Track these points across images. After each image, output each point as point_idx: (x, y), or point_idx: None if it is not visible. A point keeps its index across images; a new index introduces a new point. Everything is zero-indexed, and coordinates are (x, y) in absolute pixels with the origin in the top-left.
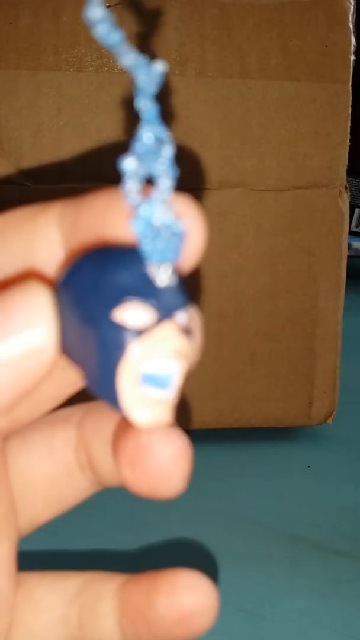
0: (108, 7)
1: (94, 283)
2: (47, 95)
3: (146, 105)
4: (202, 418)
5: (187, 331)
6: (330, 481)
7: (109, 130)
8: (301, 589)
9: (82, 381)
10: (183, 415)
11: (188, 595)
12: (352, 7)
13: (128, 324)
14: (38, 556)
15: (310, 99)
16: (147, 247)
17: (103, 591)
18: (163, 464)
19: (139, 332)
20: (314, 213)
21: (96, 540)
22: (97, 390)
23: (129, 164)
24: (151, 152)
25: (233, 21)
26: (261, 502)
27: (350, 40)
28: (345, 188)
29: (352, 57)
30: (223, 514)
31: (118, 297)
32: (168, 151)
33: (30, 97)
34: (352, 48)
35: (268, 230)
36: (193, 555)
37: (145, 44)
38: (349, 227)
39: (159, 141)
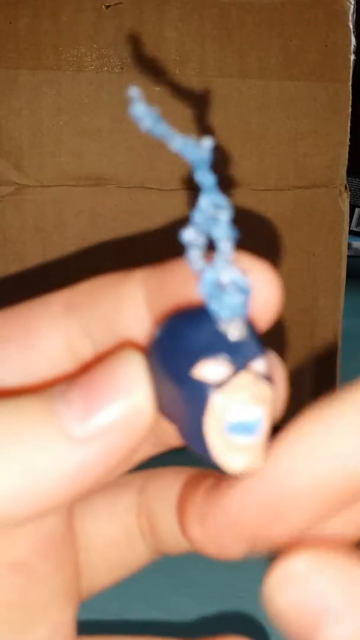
0: (108, 7)
1: (174, 346)
2: (47, 94)
3: (203, 177)
4: None
5: (265, 377)
6: None
7: (109, 130)
8: None
9: (153, 447)
10: None
11: None
12: (352, 7)
13: (207, 380)
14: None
15: (310, 99)
16: (215, 306)
17: None
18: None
19: (218, 385)
20: (314, 213)
21: None
22: (190, 443)
23: (189, 234)
24: (210, 218)
25: (233, 21)
26: None
27: (350, 40)
28: (346, 188)
29: (352, 57)
30: None
31: (195, 357)
32: (226, 215)
33: (30, 96)
34: (352, 47)
35: None
36: (192, 556)
37: (145, 44)
38: (349, 227)
39: (217, 207)
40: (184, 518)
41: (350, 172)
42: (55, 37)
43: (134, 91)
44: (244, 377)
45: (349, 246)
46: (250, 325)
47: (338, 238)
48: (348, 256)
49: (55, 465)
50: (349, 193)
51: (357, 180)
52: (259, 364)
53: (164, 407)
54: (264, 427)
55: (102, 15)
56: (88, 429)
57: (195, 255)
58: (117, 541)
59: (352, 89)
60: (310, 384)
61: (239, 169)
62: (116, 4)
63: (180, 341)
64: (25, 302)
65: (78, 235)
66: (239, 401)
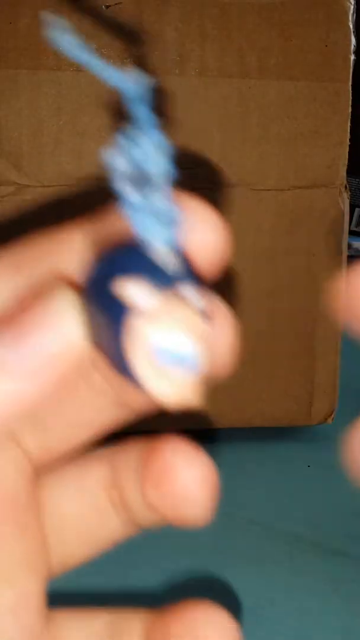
0: (108, 7)
1: (103, 275)
2: (46, 94)
3: (138, 111)
4: (201, 418)
5: (198, 311)
6: (329, 481)
7: (109, 130)
8: (301, 589)
9: (115, 410)
10: (182, 415)
11: (209, 630)
12: (352, 7)
13: (134, 303)
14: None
15: (310, 99)
16: (144, 234)
17: (128, 628)
18: (187, 484)
19: (143, 309)
20: (314, 213)
21: None
22: (118, 370)
23: (120, 165)
24: (144, 152)
25: (233, 21)
26: (261, 501)
27: (350, 40)
28: (346, 188)
29: (352, 57)
30: (222, 513)
31: (121, 281)
32: (161, 150)
33: (30, 96)
34: (352, 47)
35: (268, 230)
36: (193, 555)
37: (145, 44)
38: (349, 227)
39: (154, 142)
40: (143, 484)
41: (350, 172)
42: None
43: (48, 16)
44: (171, 304)
45: (349, 246)
46: (185, 260)
47: (338, 238)
48: (348, 256)
49: None
50: (349, 193)
51: (357, 180)
52: (192, 297)
53: (97, 339)
54: (198, 361)
55: (102, 16)
56: (19, 359)
57: (125, 186)
58: (87, 515)
59: (352, 89)
60: (310, 384)
61: (239, 169)
62: (116, 4)
63: (109, 270)
64: None
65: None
66: (165, 326)
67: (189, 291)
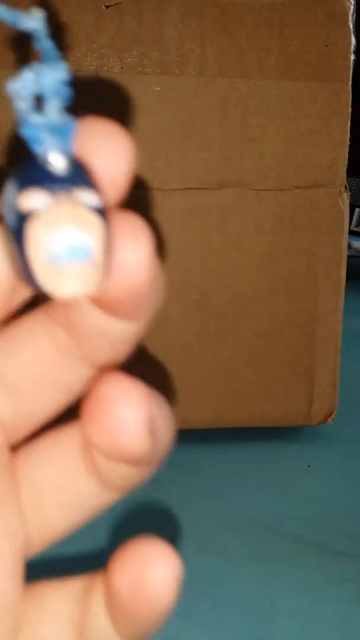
0: (108, 7)
1: (6, 194)
2: None
3: (42, 43)
4: (201, 418)
5: (92, 209)
6: (330, 481)
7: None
8: (301, 589)
9: (82, 365)
10: (182, 415)
11: (143, 564)
12: (352, 7)
13: (26, 209)
14: (43, 562)
15: (310, 99)
16: (33, 139)
17: (94, 585)
18: (118, 412)
19: (37, 214)
20: (314, 213)
21: (97, 541)
22: (23, 279)
23: (16, 84)
24: (40, 72)
25: (233, 21)
26: (261, 502)
27: (350, 40)
28: (345, 188)
29: (352, 57)
30: (222, 514)
31: (18, 192)
32: (59, 74)
33: None
34: (352, 47)
35: (268, 230)
36: (192, 556)
37: (145, 44)
38: (349, 227)
39: (52, 67)
40: (82, 420)
41: (350, 172)
42: (54, 37)
43: None
44: (62, 204)
45: (349, 246)
46: (78, 164)
47: (338, 238)
48: (348, 256)
49: None
50: (349, 193)
51: (357, 180)
52: (87, 196)
53: (14, 262)
54: (93, 253)
55: (102, 15)
56: None
57: (22, 104)
58: (63, 480)
59: (352, 89)
60: (310, 384)
61: (239, 169)
62: (116, 4)
63: (9, 186)
64: None
65: None
66: (58, 227)
67: (81, 193)
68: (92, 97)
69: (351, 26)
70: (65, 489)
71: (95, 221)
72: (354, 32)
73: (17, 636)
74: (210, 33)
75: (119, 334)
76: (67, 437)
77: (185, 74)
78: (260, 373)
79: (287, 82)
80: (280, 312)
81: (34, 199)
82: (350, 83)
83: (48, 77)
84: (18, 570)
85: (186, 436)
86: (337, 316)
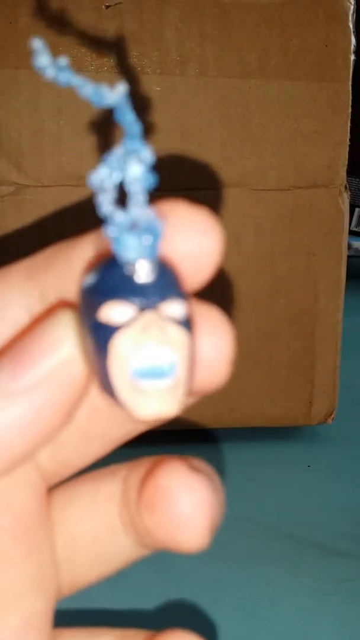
0: (108, 6)
1: (87, 294)
2: (47, 94)
3: (124, 121)
4: (201, 418)
5: (179, 321)
6: (330, 481)
7: (109, 130)
8: (301, 589)
9: (130, 422)
10: (182, 415)
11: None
12: (352, 7)
13: (110, 322)
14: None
15: (310, 99)
16: (118, 245)
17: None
18: (181, 508)
19: (121, 327)
20: (314, 213)
21: None
22: (103, 392)
23: (99, 176)
24: (122, 160)
25: (233, 21)
26: (261, 502)
27: (350, 40)
28: (345, 188)
29: (352, 57)
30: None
31: (100, 301)
32: (144, 158)
33: (30, 96)
34: (352, 47)
35: (268, 230)
36: (192, 556)
37: (145, 44)
38: (349, 227)
39: (135, 150)
40: (138, 504)
41: (350, 172)
42: (55, 37)
43: (36, 42)
44: (148, 322)
45: (349, 246)
46: (164, 268)
47: (338, 238)
48: (348, 256)
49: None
50: (349, 193)
51: (357, 180)
52: (173, 307)
53: (88, 359)
54: (178, 371)
55: (102, 15)
56: (20, 385)
57: (104, 198)
58: (98, 533)
59: (352, 89)
60: (310, 384)
61: (239, 169)
62: (116, 4)
63: (91, 288)
64: None
65: (78, 235)
66: (141, 344)
67: (168, 305)
68: None
69: (351, 26)
70: (99, 543)
71: (181, 338)
72: (353, 32)
73: None
74: (211, 33)
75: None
76: (106, 490)
77: (185, 74)
78: (260, 373)
79: (287, 82)
80: (280, 312)
81: (118, 312)
82: (350, 83)
83: (131, 165)
84: (48, 625)
85: (186, 436)
86: (337, 316)
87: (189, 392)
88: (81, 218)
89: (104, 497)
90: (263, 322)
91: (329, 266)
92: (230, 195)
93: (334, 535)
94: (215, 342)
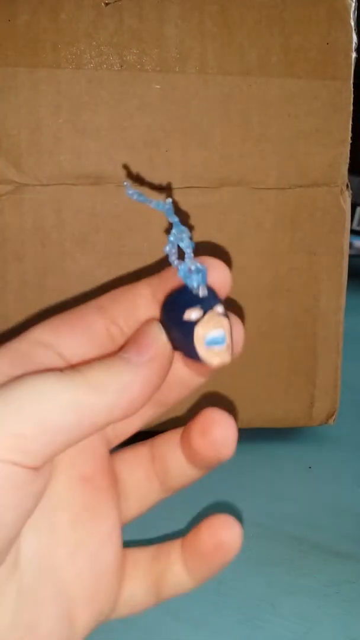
0: (107, 4)
1: (172, 308)
2: (45, 92)
3: (172, 219)
4: None
5: (222, 314)
6: (331, 482)
7: (108, 128)
8: (302, 590)
9: (156, 405)
10: (183, 415)
11: (221, 529)
12: (353, 4)
13: (191, 319)
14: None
15: (312, 97)
16: (188, 281)
17: (171, 548)
18: (222, 429)
19: (197, 321)
20: (315, 212)
21: None
22: (189, 357)
23: (167, 247)
24: (178, 239)
25: (233, 18)
26: (262, 502)
27: (351, 38)
28: (347, 186)
29: (354, 54)
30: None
31: (183, 309)
32: (187, 236)
33: (28, 94)
34: (354, 45)
35: (269, 228)
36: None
37: (145, 42)
38: (351, 226)
39: (182, 232)
40: (189, 435)
41: (352, 170)
42: (54, 34)
43: (126, 185)
44: (210, 315)
45: (351, 245)
46: (210, 289)
47: (339, 237)
48: (349, 255)
49: (134, 378)
50: (351, 192)
51: (359, 178)
52: (219, 308)
53: (172, 343)
54: (227, 340)
55: (102, 13)
56: (143, 359)
57: (173, 258)
58: (141, 480)
59: (354, 87)
60: (311, 384)
61: (240, 168)
62: (116, 1)
63: (174, 304)
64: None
65: (77, 234)
66: (209, 327)
67: (217, 307)
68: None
69: (352, 24)
70: (141, 487)
71: (226, 323)
72: (355, 29)
73: (123, 585)
74: (211, 30)
75: (192, 385)
76: (141, 452)
77: (185, 71)
78: (261, 373)
79: (288, 80)
80: (281, 311)
81: (194, 314)
82: (351, 81)
83: (184, 241)
84: (120, 539)
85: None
86: (339, 316)
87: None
88: (80, 217)
89: (141, 457)
90: (264, 322)
91: (330, 265)
92: (231, 194)
93: (335, 536)
94: (238, 329)
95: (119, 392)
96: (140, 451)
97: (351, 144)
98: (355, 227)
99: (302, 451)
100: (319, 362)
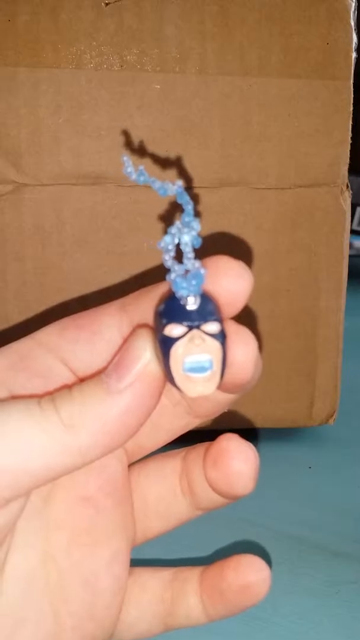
0: (107, 4)
1: (157, 317)
2: (45, 92)
3: (184, 203)
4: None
5: (214, 335)
6: (331, 482)
7: (108, 128)
8: (302, 591)
9: (187, 416)
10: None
11: (249, 571)
12: (353, 4)
13: (170, 335)
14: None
15: (312, 97)
16: (175, 287)
17: (188, 577)
18: (236, 462)
19: (177, 339)
20: (315, 212)
21: None
22: (170, 382)
23: (164, 241)
24: (182, 231)
25: (233, 18)
26: (262, 503)
27: (351, 38)
28: (347, 187)
29: (354, 55)
30: (223, 514)
31: (168, 320)
32: (195, 227)
33: (28, 94)
34: (354, 45)
35: (269, 229)
36: (192, 557)
37: (144, 41)
38: (351, 226)
39: (190, 222)
40: (204, 464)
41: (352, 170)
42: (54, 34)
43: (125, 159)
44: (193, 335)
45: (351, 245)
46: (208, 300)
47: (339, 237)
48: (350, 255)
49: (112, 411)
50: (351, 192)
51: (359, 179)
52: (211, 326)
53: (159, 361)
54: (213, 367)
55: (102, 13)
56: (124, 384)
57: (167, 256)
58: (164, 496)
59: (354, 87)
60: (311, 384)
61: (239, 167)
62: (115, 1)
63: (160, 313)
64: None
65: (77, 234)
66: (190, 349)
67: (208, 325)
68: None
69: (352, 24)
70: (164, 504)
71: (215, 346)
72: (355, 29)
73: (127, 609)
74: (211, 30)
75: (222, 401)
76: (169, 466)
77: (185, 71)
78: (261, 373)
79: (288, 80)
80: (281, 311)
81: (175, 330)
82: (351, 81)
83: (185, 235)
84: (128, 561)
85: (188, 437)
86: (339, 316)
87: (222, 379)
88: (80, 217)
89: (168, 470)
90: (264, 322)
91: (330, 265)
92: (231, 194)
93: (336, 537)
94: (244, 349)
95: (96, 430)
96: (169, 463)
97: (351, 144)
98: (355, 227)
99: (302, 451)
100: (319, 362)
